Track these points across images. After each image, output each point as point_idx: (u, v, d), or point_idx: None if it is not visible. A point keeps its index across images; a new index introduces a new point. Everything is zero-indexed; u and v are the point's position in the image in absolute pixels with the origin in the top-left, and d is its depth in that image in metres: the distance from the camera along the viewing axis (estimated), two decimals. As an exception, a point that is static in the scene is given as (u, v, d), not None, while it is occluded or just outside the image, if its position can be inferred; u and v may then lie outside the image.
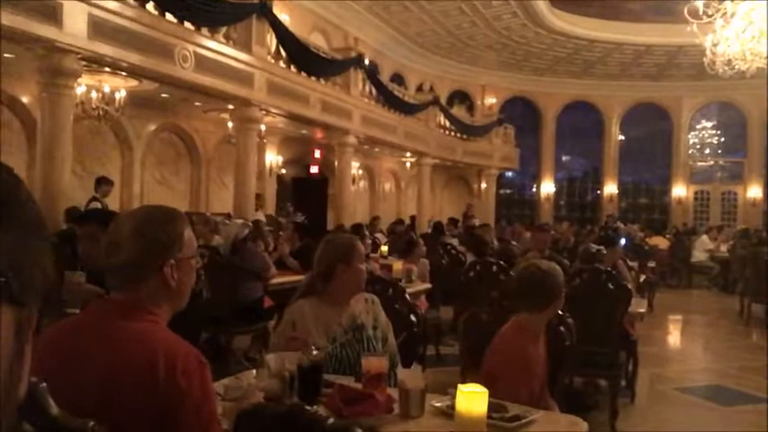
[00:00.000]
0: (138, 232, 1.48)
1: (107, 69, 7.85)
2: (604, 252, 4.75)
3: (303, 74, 10.85)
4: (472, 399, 1.67)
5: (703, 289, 12.86)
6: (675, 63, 18.84)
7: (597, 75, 20.75)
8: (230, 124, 10.74)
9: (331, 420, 1.10)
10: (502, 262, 5.63)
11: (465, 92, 21.18)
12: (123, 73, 8.07)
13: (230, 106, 9.79)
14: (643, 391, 5.24)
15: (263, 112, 10.06)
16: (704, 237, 14.08)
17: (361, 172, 16.88)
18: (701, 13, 8.09)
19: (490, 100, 21.26)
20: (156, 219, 1.53)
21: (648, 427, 4.63)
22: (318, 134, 13.28)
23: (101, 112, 9.01)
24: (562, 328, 2.66)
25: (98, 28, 6.71)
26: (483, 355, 2.53)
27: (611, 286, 4.24)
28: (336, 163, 13.01)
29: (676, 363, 7.18)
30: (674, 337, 9.11)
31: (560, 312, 2.68)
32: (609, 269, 4.38)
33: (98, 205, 7.49)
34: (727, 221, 19.99)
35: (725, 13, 8.28)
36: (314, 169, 15.82)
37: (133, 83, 8.75)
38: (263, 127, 10.94)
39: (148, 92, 9.31)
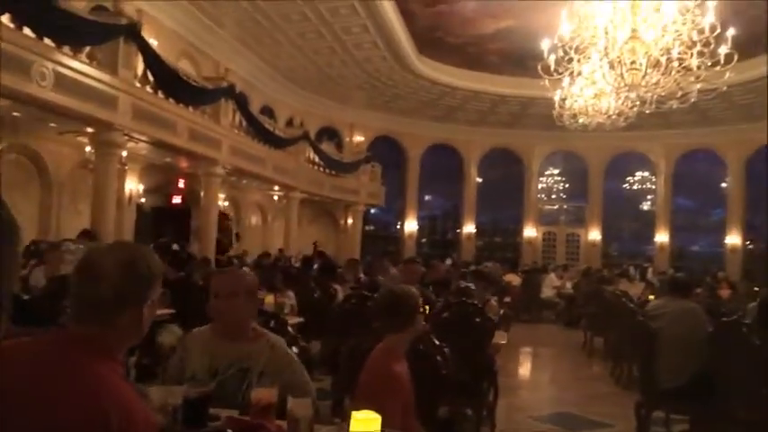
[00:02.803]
0: (127, 267, 1.43)
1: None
2: (473, 288, 5.05)
3: (171, 100, 10.55)
4: (366, 424, 1.73)
5: (551, 323, 13.82)
6: (528, 113, 20.37)
7: (458, 120, 21.93)
8: (88, 148, 10.16)
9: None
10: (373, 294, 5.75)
11: (334, 128, 21.52)
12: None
13: (90, 129, 9.27)
14: (502, 419, 5.54)
15: (126, 137, 9.64)
16: (552, 275, 15.18)
17: (226, 204, 16.53)
18: (552, 70, 8.84)
19: (358, 138, 21.78)
20: (141, 255, 1.49)
21: (508, 453, 4.90)
22: (183, 163, 12.89)
23: (-61, 128, 8.18)
24: (439, 358, 2.79)
25: (-56, 37, 6.18)
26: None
27: (477, 319, 4.49)
28: (202, 193, 12.67)
29: (528, 392, 7.66)
30: (525, 369, 9.68)
31: (437, 342, 2.81)
32: (476, 303, 4.65)
33: None
34: (571, 261, 21.72)
35: (572, 72, 9.12)
36: (177, 199, 15.27)
37: (-20, 98, 8.05)
38: (124, 153, 10.45)
39: (-3, 108, 8.60)
